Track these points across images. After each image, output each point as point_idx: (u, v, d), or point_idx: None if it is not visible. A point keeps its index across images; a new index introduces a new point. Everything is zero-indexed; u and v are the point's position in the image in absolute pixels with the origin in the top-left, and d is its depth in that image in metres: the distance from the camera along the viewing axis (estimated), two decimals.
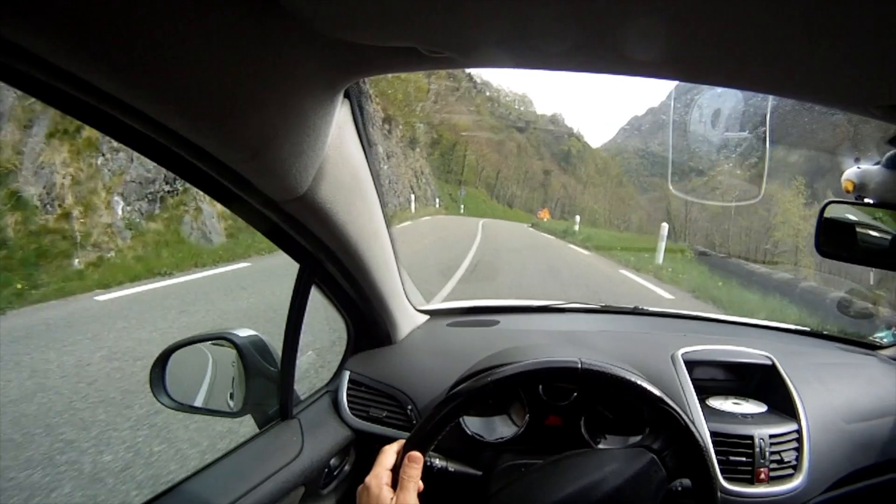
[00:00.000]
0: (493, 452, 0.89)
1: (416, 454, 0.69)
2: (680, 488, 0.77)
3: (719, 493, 0.89)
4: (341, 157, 0.65)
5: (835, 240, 0.79)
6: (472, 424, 0.92)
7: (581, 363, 0.71)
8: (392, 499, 0.66)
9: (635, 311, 1.41)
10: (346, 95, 0.63)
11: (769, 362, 1.10)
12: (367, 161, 0.74)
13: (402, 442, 0.73)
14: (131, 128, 0.46)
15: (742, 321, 1.48)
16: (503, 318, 1.25)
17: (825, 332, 1.46)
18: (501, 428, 0.94)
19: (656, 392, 0.73)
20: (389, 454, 0.71)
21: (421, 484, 0.69)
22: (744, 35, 0.39)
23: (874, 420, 1.10)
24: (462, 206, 42.88)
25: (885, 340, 1.47)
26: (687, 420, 0.72)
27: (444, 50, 0.50)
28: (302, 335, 0.90)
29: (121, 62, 0.36)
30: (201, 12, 0.37)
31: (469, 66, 0.57)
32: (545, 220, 33.04)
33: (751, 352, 1.12)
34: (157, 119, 0.44)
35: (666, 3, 0.36)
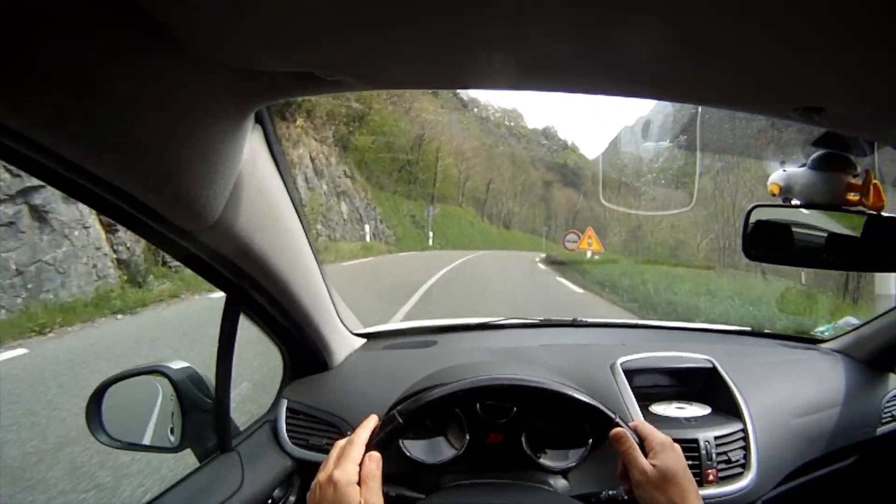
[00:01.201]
0: (435, 474, 0.87)
1: (376, 453, 0.66)
2: (606, 496, 0.76)
3: None
4: (255, 184, 0.62)
5: (763, 243, 0.78)
6: (413, 448, 0.90)
7: (493, 382, 0.71)
8: (360, 500, 0.61)
9: (574, 324, 1.41)
10: (258, 121, 0.60)
11: (710, 365, 1.10)
12: (286, 186, 0.71)
13: (368, 431, 0.70)
14: (24, 154, 0.43)
15: (683, 326, 1.50)
16: (441, 338, 1.23)
17: (767, 331, 1.49)
18: (442, 449, 0.92)
19: (580, 396, 0.74)
20: (357, 448, 0.66)
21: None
22: (673, 50, 0.40)
23: (819, 413, 1.11)
24: (430, 235, 29.00)
25: (826, 334, 1.50)
26: (613, 415, 0.72)
27: (339, 75, 0.49)
28: (244, 364, 0.87)
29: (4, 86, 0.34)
30: (94, 41, 0.36)
31: (367, 89, 0.56)
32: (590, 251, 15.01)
33: (691, 356, 1.12)
34: (51, 148, 0.42)
35: (567, 22, 0.36)
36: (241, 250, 0.66)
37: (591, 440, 0.90)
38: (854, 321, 1.41)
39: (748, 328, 1.47)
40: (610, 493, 0.80)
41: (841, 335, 1.37)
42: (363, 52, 0.44)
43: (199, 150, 0.50)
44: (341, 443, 0.68)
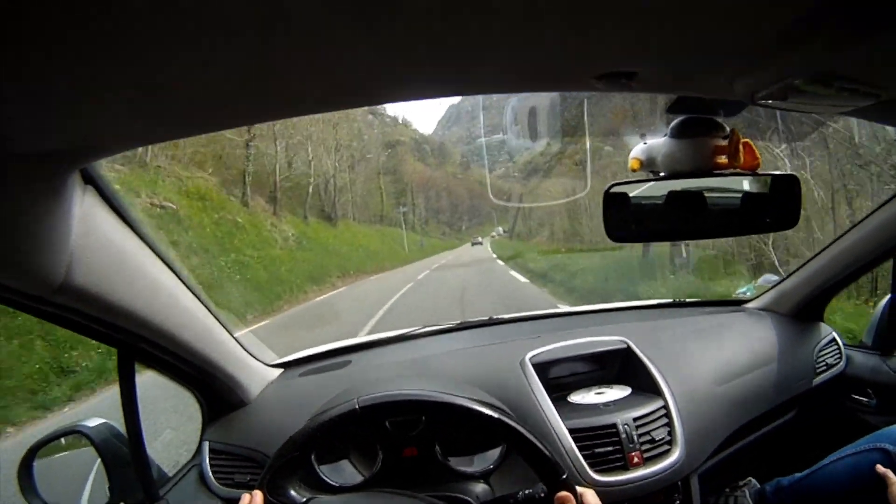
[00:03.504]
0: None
1: (257, 493, 0.70)
2: (523, 496, 0.76)
3: (592, 486, 0.88)
4: (97, 243, 0.62)
5: (624, 222, 0.77)
6: (330, 473, 0.89)
7: (358, 403, 0.71)
8: None
9: (490, 322, 1.39)
10: (88, 181, 0.60)
11: (624, 345, 1.09)
12: (142, 238, 0.70)
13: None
14: None
15: (601, 308, 1.48)
16: (356, 357, 1.21)
17: (688, 301, 1.48)
18: (359, 469, 0.91)
19: (463, 403, 0.72)
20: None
21: None
22: (469, 40, 0.38)
23: (750, 373, 1.11)
24: None
25: (748, 294, 1.49)
26: (501, 418, 0.71)
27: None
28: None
29: None
30: None
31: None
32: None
33: (603, 339, 1.12)
34: None
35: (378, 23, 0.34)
36: (104, 307, 0.66)
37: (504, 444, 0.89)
38: (773, 278, 1.41)
39: (668, 301, 1.47)
40: (526, 492, 0.79)
41: (763, 293, 1.36)
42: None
43: (23, 221, 0.50)
44: None
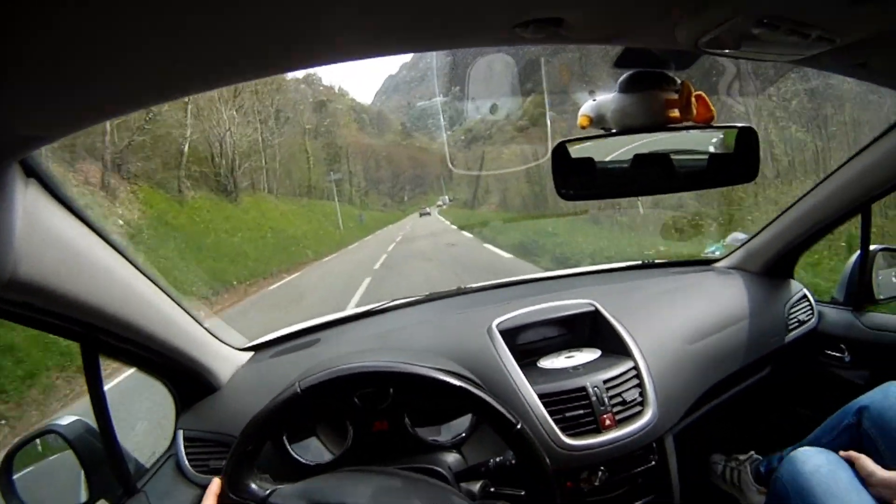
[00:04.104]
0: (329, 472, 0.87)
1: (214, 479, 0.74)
2: (494, 464, 0.76)
3: (565, 451, 0.89)
4: (45, 236, 0.61)
5: (573, 180, 0.76)
6: (301, 451, 0.89)
7: (299, 386, 0.72)
8: None
9: (459, 292, 1.39)
10: (31, 173, 0.58)
11: (592, 308, 1.09)
12: (91, 228, 0.69)
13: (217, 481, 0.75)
14: None
15: (569, 272, 1.48)
16: (325, 335, 1.21)
17: (657, 262, 1.48)
18: (329, 447, 0.91)
19: (420, 372, 0.73)
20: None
21: None
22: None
23: (721, 332, 1.11)
24: None
25: (717, 253, 1.49)
26: (458, 383, 0.71)
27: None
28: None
29: None
30: None
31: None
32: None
33: (571, 303, 1.11)
34: None
35: None
36: (57, 301, 0.65)
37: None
38: (741, 236, 1.41)
39: (637, 262, 1.47)
40: (497, 459, 0.79)
41: (732, 252, 1.36)
42: None
43: None
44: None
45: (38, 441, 1.00)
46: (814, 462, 0.94)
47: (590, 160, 0.76)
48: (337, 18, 0.41)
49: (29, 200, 0.57)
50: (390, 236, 19.49)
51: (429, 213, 36.53)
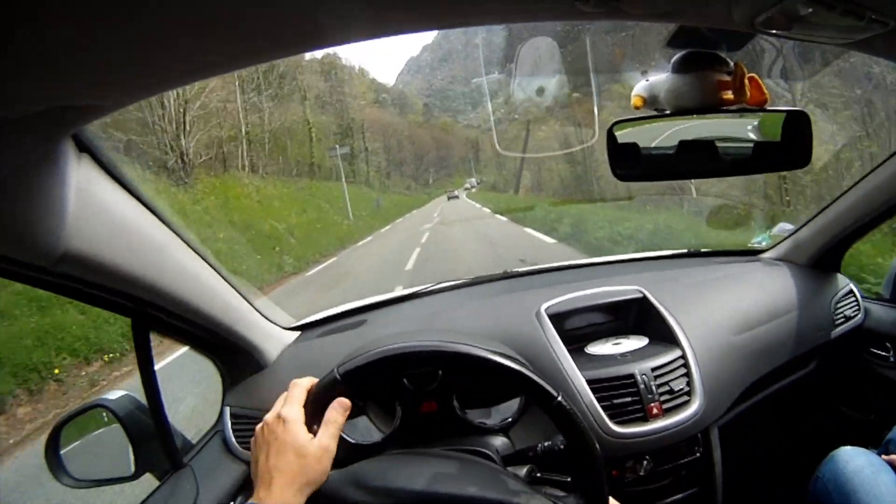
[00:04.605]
0: (375, 453, 0.87)
1: (346, 401, 0.68)
2: (542, 448, 0.76)
3: (612, 438, 0.88)
4: (98, 211, 0.62)
5: (628, 162, 0.75)
6: (349, 429, 0.90)
7: (337, 372, 0.69)
8: (311, 439, 0.64)
9: (505, 276, 1.39)
10: (83, 148, 0.60)
11: (640, 295, 1.08)
12: (144, 204, 0.70)
13: (312, 379, 0.72)
14: None
15: (616, 259, 1.47)
16: (371, 316, 1.22)
17: (703, 251, 1.46)
18: (377, 427, 0.92)
19: (475, 352, 0.71)
20: (300, 389, 0.70)
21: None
22: None
23: (767, 324, 1.09)
24: None
25: (764, 244, 1.47)
26: (519, 369, 0.70)
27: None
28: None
29: None
30: None
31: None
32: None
33: (619, 289, 1.11)
34: None
35: None
36: (110, 276, 0.66)
37: (523, 395, 0.89)
38: (788, 226, 1.38)
39: (683, 251, 1.45)
40: (545, 444, 0.79)
41: (778, 242, 1.34)
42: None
43: (18, 191, 0.50)
44: (285, 393, 0.71)
45: (91, 414, 1.04)
46: (857, 462, 0.92)
47: (634, 145, 0.76)
48: None
49: (82, 175, 0.58)
50: (415, 227, 15.86)
51: (457, 197, 35.35)
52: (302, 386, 0.71)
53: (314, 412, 0.68)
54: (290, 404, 0.68)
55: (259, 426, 0.69)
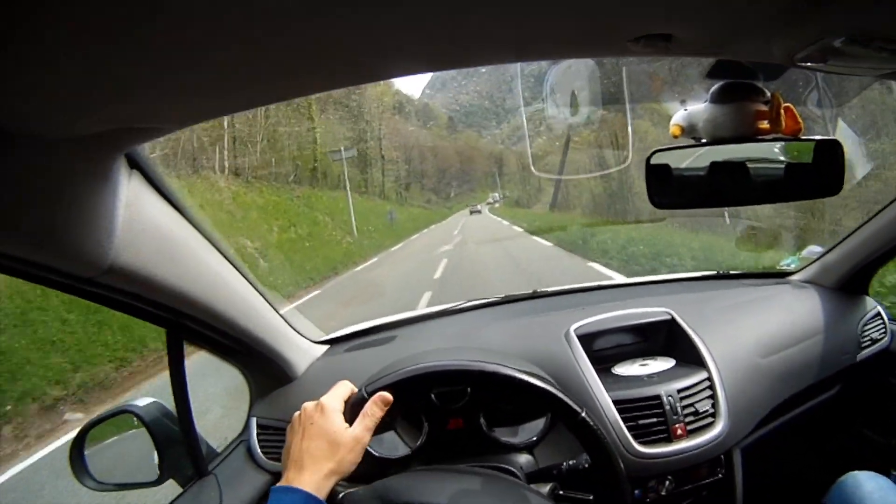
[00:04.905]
0: (400, 468, 0.88)
1: (388, 396, 0.69)
2: (567, 467, 0.76)
3: (636, 458, 0.89)
4: (145, 226, 0.64)
5: (668, 189, 0.76)
6: (375, 444, 0.91)
7: (365, 391, 0.71)
8: (347, 428, 0.66)
9: (534, 296, 1.39)
10: (134, 165, 0.62)
11: (668, 317, 1.08)
12: (188, 220, 0.72)
13: (354, 388, 0.74)
14: None
15: (644, 280, 1.47)
16: (401, 332, 1.23)
17: (732, 273, 1.46)
18: (403, 442, 0.92)
19: (507, 372, 0.72)
20: (345, 387, 0.73)
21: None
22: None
23: (794, 347, 1.09)
24: None
25: (792, 266, 1.46)
26: (550, 389, 0.71)
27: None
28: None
29: None
30: None
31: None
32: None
33: (647, 311, 1.11)
34: None
35: None
36: (152, 288, 0.68)
37: (549, 413, 0.89)
38: (818, 249, 1.37)
39: (712, 272, 1.45)
40: (570, 462, 0.80)
41: (807, 265, 1.34)
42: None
43: (71, 205, 0.53)
44: (340, 382, 0.74)
45: (118, 419, 1.05)
46: (867, 487, 0.92)
47: (666, 166, 0.77)
48: (472, 24, 0.43)
49: (132, 191, 0.60)
50: (432, 247, 13.29)
51: (479, 211, 35.19)
52: (347, 385, 0.73)
53: (350, 415, 0.70)
54: (332, 396, 0.70)
55: (297, 413, 0.71)
